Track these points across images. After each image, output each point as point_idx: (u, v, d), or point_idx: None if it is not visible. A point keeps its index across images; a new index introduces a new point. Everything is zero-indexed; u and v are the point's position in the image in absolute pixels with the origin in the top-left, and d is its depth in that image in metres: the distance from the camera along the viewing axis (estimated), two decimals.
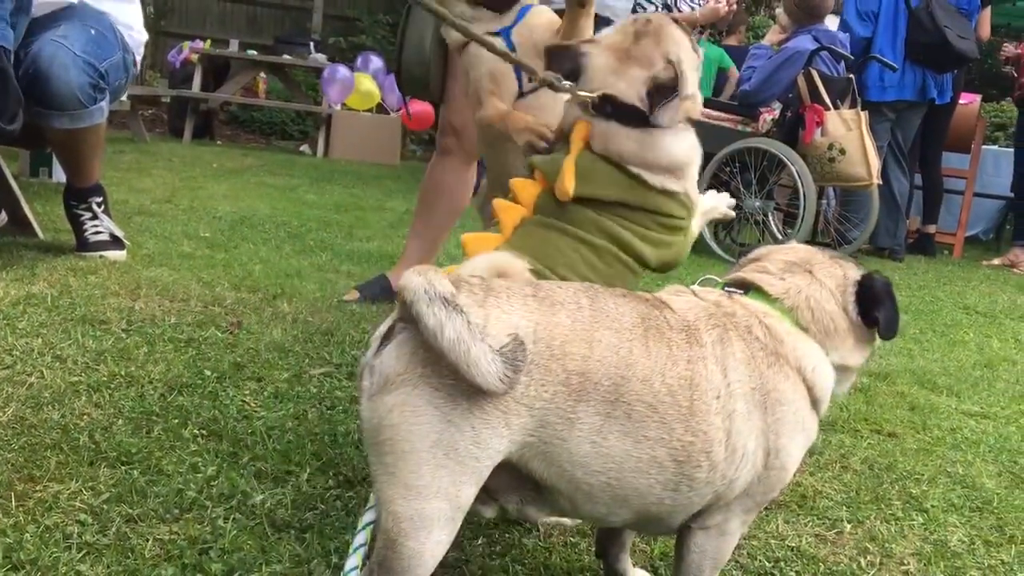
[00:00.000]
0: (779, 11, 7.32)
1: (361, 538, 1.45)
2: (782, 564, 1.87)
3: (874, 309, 1.50)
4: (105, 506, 1.75)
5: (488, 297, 1.29)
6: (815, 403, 1.46)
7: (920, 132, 7.56)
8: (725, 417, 1.35)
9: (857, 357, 1.54)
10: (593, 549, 1.78)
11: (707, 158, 6.43)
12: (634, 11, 6.95)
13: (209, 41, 11.51)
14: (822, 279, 1.52)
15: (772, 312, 1.47)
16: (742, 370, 1.38)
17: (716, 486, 1.38)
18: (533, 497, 1.38)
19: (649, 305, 1.42)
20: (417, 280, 1.22)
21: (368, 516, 1.47)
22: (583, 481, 1.33)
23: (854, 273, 1.55)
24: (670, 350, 1.35)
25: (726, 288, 1.56)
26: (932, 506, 2.26)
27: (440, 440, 1.24)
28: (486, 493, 1.35)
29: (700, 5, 6.58)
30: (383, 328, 1.32)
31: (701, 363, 1.36)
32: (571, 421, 1.29)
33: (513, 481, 1.36)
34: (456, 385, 1.23)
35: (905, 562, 1.96)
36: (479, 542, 1.81)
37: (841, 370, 1.53)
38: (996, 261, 7.74)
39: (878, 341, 1.56)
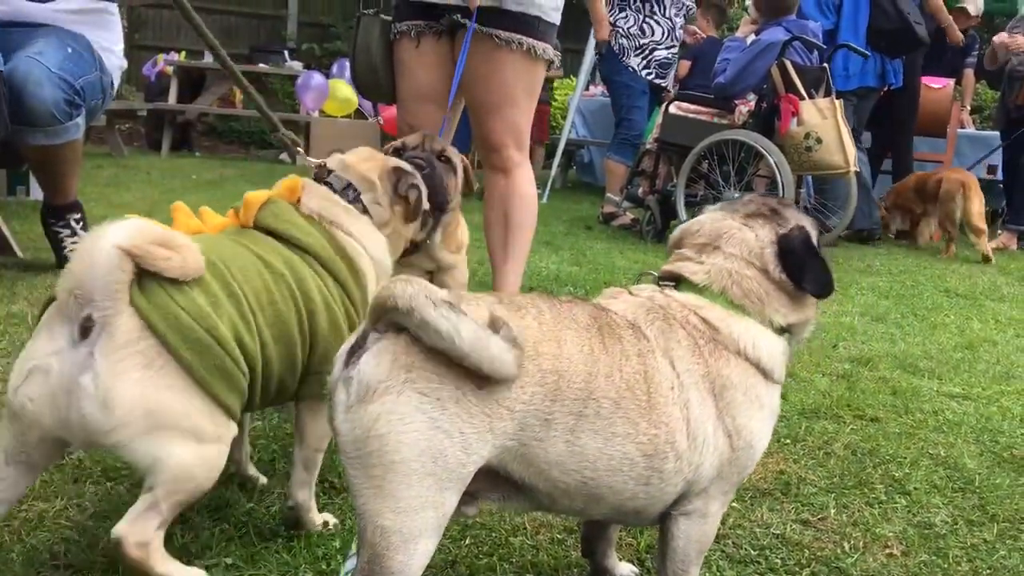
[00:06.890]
0: (749, 3, 7.36)
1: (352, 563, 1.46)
2: (767, 552, 1.89)
3: (799, 272, 1.50)
4: (91, 523, 1.76)
5: (461, 303, 1.30)
6: (767, 375, 1.48)
7: (886, 119, 7.67)
8: (682, 407, 1.39)
9: (798, 314, 1.54)
10: (580, 547, 1.79)
11: (685, 151, 6.53)
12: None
13: (184, 52, 11.46)
14: (732, 252, 1.52)
15: (703, 302, 1.49)
16: (688, 359, 1.42)
17: (685, 474, 1.41)
18: (513, 494, 1.40)
19: (594, 306, 1.46)
20: (412, 288, 1.21)
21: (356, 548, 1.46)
22: (559, 480, 1.35)
23: (767, 233, 1.54)
24: (622, 346, 1.39)
25: (659, 282, 1.57)
26: (915, 488, 2.28)
27: (429, 448, 1.23)
28: (467, 494, 1.35)
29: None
30: (349, 342, 1.30)
31: (651, 356, 1.40)
32: (547, 422, 1.30)
33: (492, 483, 1.36)
34: (442, 388, 1.23)
35: (889, 544, 1.98)
36: (466, 542, 1.82)
37: (791, 328, 1.54)
38: (992, 245, 7.77)
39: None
